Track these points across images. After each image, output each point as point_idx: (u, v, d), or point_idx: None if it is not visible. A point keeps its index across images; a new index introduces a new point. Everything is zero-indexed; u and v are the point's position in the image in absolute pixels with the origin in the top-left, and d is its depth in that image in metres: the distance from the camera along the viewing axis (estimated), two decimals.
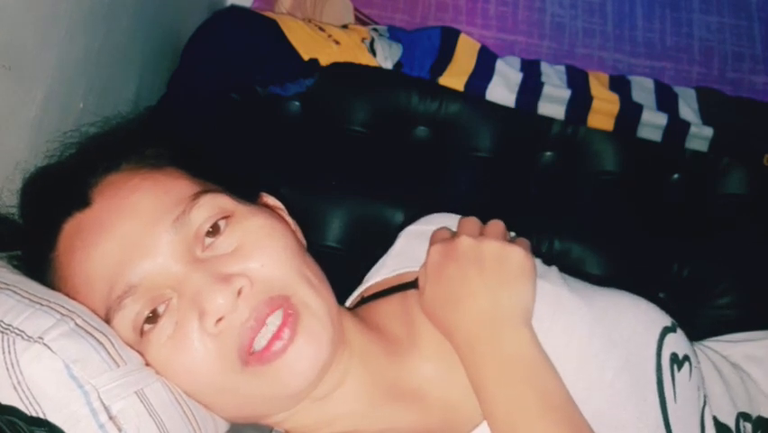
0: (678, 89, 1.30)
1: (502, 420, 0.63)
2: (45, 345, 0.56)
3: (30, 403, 0.55)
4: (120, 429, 0.57)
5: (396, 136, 1.24)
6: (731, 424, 0.74)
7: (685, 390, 0.69)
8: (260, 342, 0.61)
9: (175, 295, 0.61)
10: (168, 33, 1.24)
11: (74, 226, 0.64)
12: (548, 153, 1.24)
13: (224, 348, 0.61)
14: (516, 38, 1.67)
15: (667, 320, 0.72)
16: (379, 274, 0.81)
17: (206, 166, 0.71)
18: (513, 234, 0.77)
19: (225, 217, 0.64)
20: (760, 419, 0.78)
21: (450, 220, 0.80)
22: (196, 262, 0.62)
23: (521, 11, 1.70)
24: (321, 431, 0.69)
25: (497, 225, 0.74)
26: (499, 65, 1.26)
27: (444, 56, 1.26)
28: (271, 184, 0.79)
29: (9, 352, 0.55)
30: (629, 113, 1.20)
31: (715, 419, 0.72)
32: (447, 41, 1.29)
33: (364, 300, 0.80)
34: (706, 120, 1.22)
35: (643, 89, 1.28)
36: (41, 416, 0.55)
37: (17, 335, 0.56)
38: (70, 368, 0.56)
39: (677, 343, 0.71)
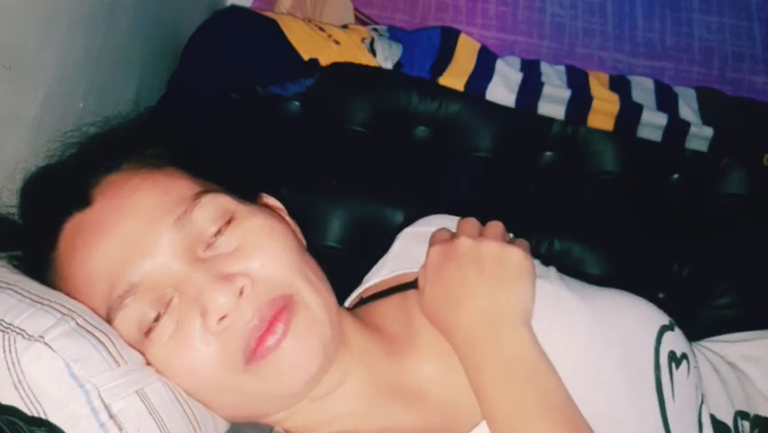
0: (678, 89, 1.30)
1: (502, 421, 0.63)
2: (46, 344, 0.56)
3: (30, 402, 0.55)
4: (120, 428, 0.57)
5: (396, 136, 1.24)
6: (729, 422, 0.74)
7: (683, 388, 0.69)
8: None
9: (176, 294, 0.61)
10: (168, 33, 1.24)
11: (75, 226, 0.64)
12: (548, 153, 1.24)
13: (227, 347, 0.61)
14: (516, 38, 1.67)
15: (665, 319, 0.73)
16: (378, 275, 0.81)
17: (207, 166, 0.71)
18: (512, 235, 0.77)
19: (230, 222, 0.64)
20: (757, 417, 0.78)
21: (448, 221, 0.80)
22: (197, 261, 0.62)
23: (521, 11, 1.70)
24: (321, 430, 0.69)
25: (496, 227, 0.74)
26: (499, 65, 1.26)
27: (444, 56, 1.26)
28: (271, 184, 0.79)
29: (10, 351, 0.55)
30: (629, 113, 1.20)
31: (712, 417, 0.72)
32: (447, 41, 1.29)
33: (363, 301, 0.80)
34: (706, 120, 1.22)
35: (643, 89, 1.28)
36: (42, 415, 0.55)
37: (18, 334, 0.56)
38: (71, 367, 0.56)
39: (675, 341, 0.71)
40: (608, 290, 0.75)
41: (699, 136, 1.19)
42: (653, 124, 1.20)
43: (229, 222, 0.64)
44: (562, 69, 1.30)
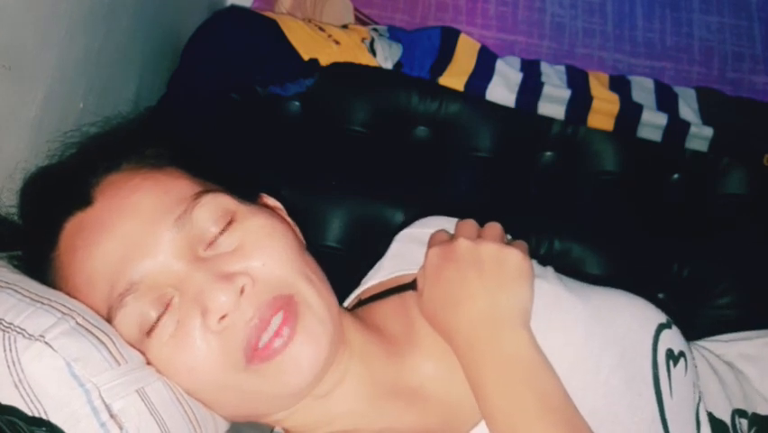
0: (678, 89, 1.30)
1: (501, 421, 0.63)
2: (46, 343, 0.56)
3: (31, 401, 0.55)
4: (121, 428, 0.57)
5: (396, 136, 1.24)
6: (727, 420, 0.74)
7: (681, 385, 0.70)
8: (264, 340, 0.61)
9: (176, 294, 0.61)
10: (168, 33, 1.24)
11: (75, 226, 0.64)
12: (548, 153, 1.24)
13: (228, 346, 0.61)
14: (516, 38, 1.67)
15: (662, 317, 0.73)
16: (377, 277, 0.81)
17: (207, 166, 0.71)
18: (510, 236, 0.77)
19: (230, 222, 0.64)
20: (755, 415, 0.78)
21: (446, 223, 0.80)
22: (198, 260, 0.62)
23: (521, 11, 1.70)
24: (321, 430, 0.69)
25: (494, 228, 0.74)
26: (499, 65, 1.26)
27: (444, 56, 1.26)
28: (271, 184, 0.79)
29: (10, 350, 0.55)
30: (629, 113, 1.20)
31: (710, 414, 0.73)
32: (447, 41, 1.29)
33: (362, 303, 0.80)
34: (706, 120, 1.22)
35: (643, 89, 1.28)
36: (42, 414, 0.55)
37: (18, 333, 0.56)
38: (71, 366, 0.56)
39: (672, 339, 0.71)
40: (606, 288, 0.75)
41: (699, 136, 1.19)
42: (653, 124, 1.20)
43: (229, 222, 0.64)
44: (562, 69, 1.30)
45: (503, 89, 1.22)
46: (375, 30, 1.32)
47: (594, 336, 0.69)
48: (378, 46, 1.25)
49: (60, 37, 0.85)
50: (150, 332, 0.61)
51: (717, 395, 0.76)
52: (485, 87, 1.22)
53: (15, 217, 0.72)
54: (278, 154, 1.18)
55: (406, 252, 0.81)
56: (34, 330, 0.56)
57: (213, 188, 0.66)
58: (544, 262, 0.79)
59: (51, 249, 0.65)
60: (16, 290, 0.60)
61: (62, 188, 0.67)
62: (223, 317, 0.60)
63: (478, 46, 1.30)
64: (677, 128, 1.20)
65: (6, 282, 0.61)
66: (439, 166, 1.23)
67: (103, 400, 0.56)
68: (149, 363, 0.62)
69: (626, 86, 1.28)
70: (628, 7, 1.72)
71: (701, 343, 0.87)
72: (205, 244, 0.63)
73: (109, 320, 0.62)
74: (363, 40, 1.26)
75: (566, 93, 1.21)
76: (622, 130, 1.21)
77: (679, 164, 1.22)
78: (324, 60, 1.21)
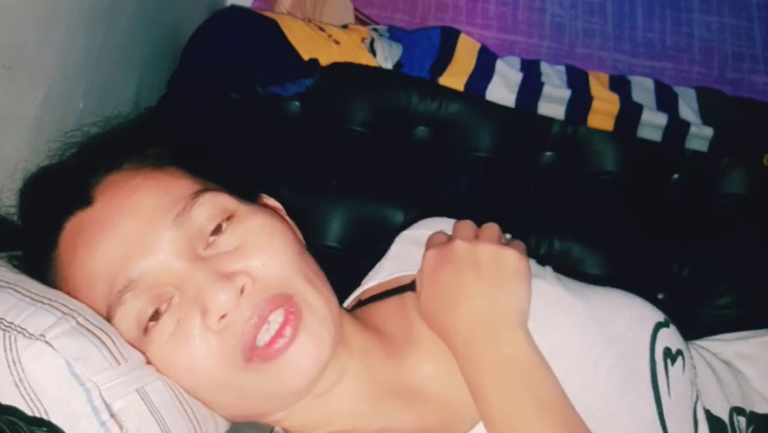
0: (678, 89, 1.30)
1: (499, 422, 0.63)
2: (47, 342, 0.56)
3: (31, 400, 0.55)
4: (121, 427, 0.57)
5: (396, 136, 1.24)
6: (725, 418, 0.74)
7: (679, 384, 0.70)
8: (263, 338, 0.61)
9: (176, 293, 0.61)
10: (168, 33, 1.24)
11: (75, 225, 0.64)
12: (548, 153, 1.24)
13: (227, 345, 0.61)
14: (516, 38, 1.67)
15: (660, 316, 0.73)
16: (376, 278, 0.81)
17: (207, 166, 0.71)
18: (508, 236, 0.77)
19: (228, 219, 0.64)
20: (753, 414, 0.78)
21: (445, 224, 0.80)
22: (198, 259, 0.62)
23: (521, 11, 1.70)
24: (320, 430, 0.69)
25: (491, 229, 0.74)
26: (499, 65, 1.26)
27: (444, 56, 1.26)
28: (271, 184, 0.79)
29: (10, 349, 0.55)
30: (629, 113, 1.21)
31: (708, 412, 0.73)
32: (447, 41, 1.29)
33: (361, 304, 0.80)
34: (706, 120, 1.22)
35: (643, 89, 1.28)
36: (43, 413, 0.55)
37: (19, 333, 0.56)
38: (72, 366, 0.56)
39: (670, 338, 0.72)
40: (604, 288, 0.75)
41: (699, 136, 1.19)
42: (653, 124, 1.20)
43: (229, 221, 0.64)
44: (562, 69, 1.30)
45: (503, 89, 1.22)
46: (375, 30, 1.32)
47: (592, 336, 0.70)
48: (378, 46, 1.25)
49: (60, 37, 0.85)
50: (149, 330, 0.61)
51: (714, 393, 0.76)
52: (485, 87, 1.22)
53: (15, 217, 0.72)
54: (278, 154, 1.18)
55: (406, 253, 0.81)
56: (35, 330, 0.56)
57: (212, 188, 0.67)
58: (543, 262, 0.79)
59: (52, 249, 0.65)
60: (16, 290, 0.60)
61: (62, 188, 0.67)
62: (223, 316, 0.60)
63: (478, 46, 1.30)
64: (677, 128, 1.20)
65: (7, 282, 0.61)
66: (439, 166, 1.23)
67: (103, 400, 0.56)
68: (149, 362, 0.62)
69: (626, 86, 1.28)
70: (628, 7, 1.72)
71: (699, 342, 0.87)
72: (204, 243, 0.63)
73: (109, 319, 0.62)
74: (363, 40, 1.26)
75: (566, 93, 1.21)
76: (622, 130, 1.21)
77: (679, 164, 1.22)
78: (324, 60, 1.21)
